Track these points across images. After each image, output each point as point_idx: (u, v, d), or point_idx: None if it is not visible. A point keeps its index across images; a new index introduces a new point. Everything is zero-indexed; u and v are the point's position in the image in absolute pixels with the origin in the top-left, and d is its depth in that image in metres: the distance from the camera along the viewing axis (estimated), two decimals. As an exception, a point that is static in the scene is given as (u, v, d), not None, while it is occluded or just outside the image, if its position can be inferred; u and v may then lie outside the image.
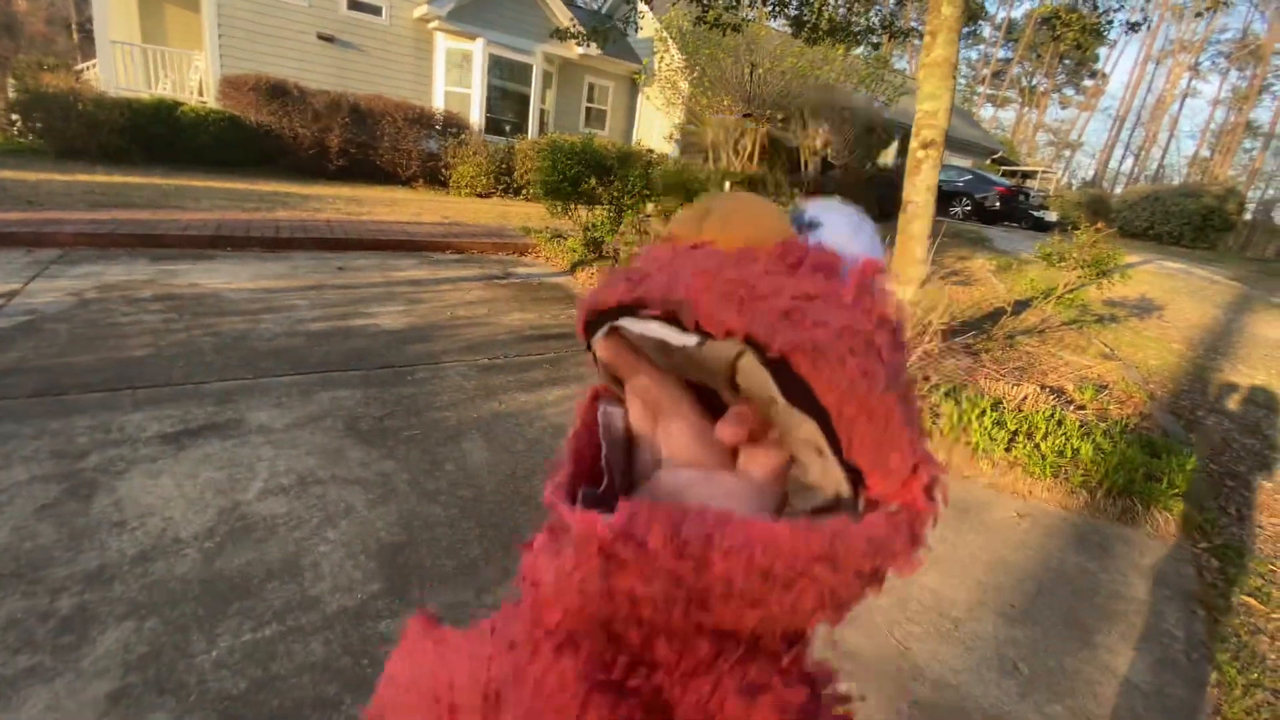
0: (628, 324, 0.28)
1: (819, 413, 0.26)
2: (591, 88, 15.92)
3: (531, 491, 2.32)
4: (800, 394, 0.26)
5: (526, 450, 2.60)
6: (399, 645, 0.32)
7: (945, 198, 15.81)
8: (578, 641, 0.28)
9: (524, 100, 14.51)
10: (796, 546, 0.25)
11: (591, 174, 5.90)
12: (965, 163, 20.70)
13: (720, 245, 0.28)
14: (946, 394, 3.32)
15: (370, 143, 11.54)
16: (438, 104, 13.17)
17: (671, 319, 0.26)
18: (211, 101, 10.92)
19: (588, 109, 16.15)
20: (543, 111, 15.15)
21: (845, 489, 0.28)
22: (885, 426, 0.26)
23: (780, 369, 0.26)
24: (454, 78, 13.32)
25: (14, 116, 9.08)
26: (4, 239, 4.52)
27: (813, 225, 0.32)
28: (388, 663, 0.31)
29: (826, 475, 0.28)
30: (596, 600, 0.26)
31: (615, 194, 5.84)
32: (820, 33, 5.98)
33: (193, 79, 11.72)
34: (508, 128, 14.70)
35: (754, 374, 0.26)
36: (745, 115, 10.81)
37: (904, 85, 13.38)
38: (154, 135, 9.53)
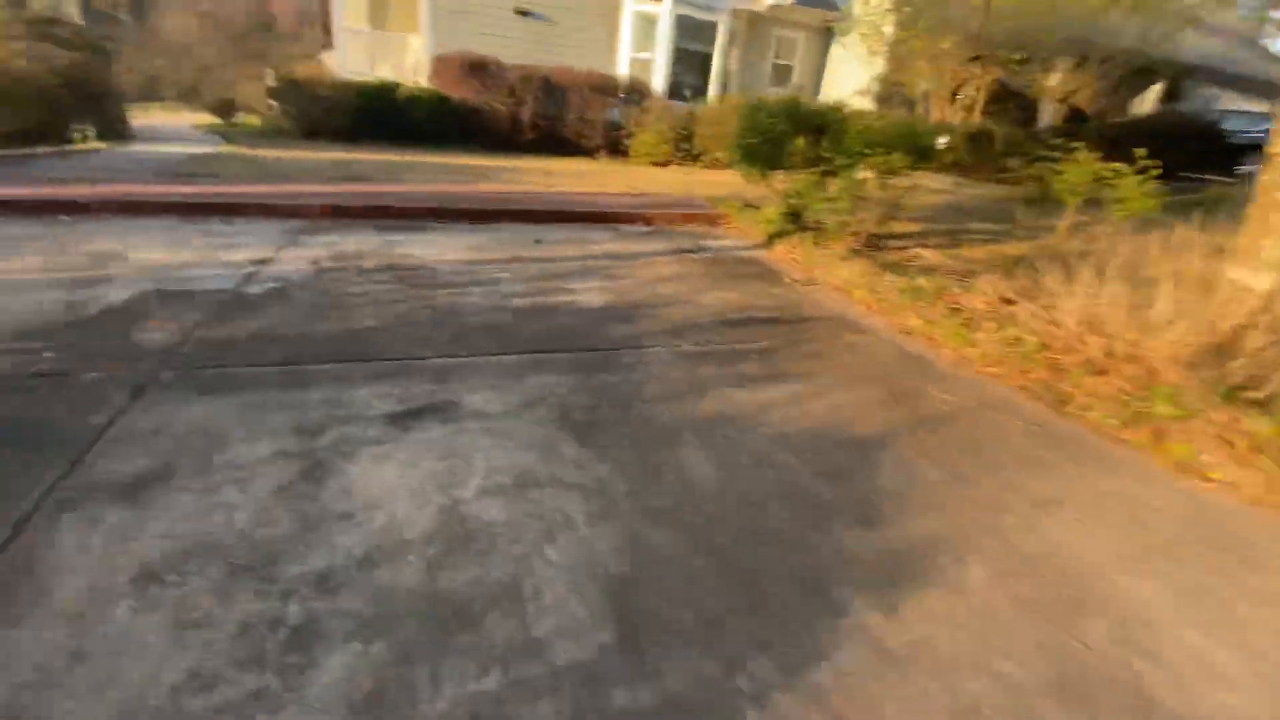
0: None
1: None
2: (779, 42, 14.82)
3: (771, 526, 1.89)
4: None
5: (753, 467, 2.17)
6: None
7: (1234, 152, 12.45)
8: None
9: (706, 61, 13.94)
10: None
11: (799, 133, 5.23)
12: (1262, 108, 16.15)
13: None
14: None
15: (558, 114, 11.80)
16: (622, 71, 13.09)
17: None
18: (424, 81, 11.82)
19: (773, 66, 15.10)
20: (726, 72, 14.47)
21: None
22: None
23: None
24: (639, 44, 13.12)
25: (271, 102, 10.54)
26: (266, 209, 5.08)
27: None
28: None
29: None
30: None
31: (826, 154, 5.12)
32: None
33: (409, 60, 12.81)
34: (688, 92, 14.27)
35: None
36: (973, 59, 9.20)
37: (1191, 14, 10.47)
38: (377, 114, 10.50)
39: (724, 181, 9.10)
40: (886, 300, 3.83)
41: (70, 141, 7.73)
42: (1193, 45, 14.24)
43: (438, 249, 4.52)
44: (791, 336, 3.39)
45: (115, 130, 8.74)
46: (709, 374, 2.85)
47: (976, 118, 11.25)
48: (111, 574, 1.53)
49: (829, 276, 4.39)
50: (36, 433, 2.04)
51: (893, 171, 4.93)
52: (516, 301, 3.58)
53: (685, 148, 12.30)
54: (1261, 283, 2.93)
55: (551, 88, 11.72)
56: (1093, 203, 5.22)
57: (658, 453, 2.20)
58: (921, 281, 4.04)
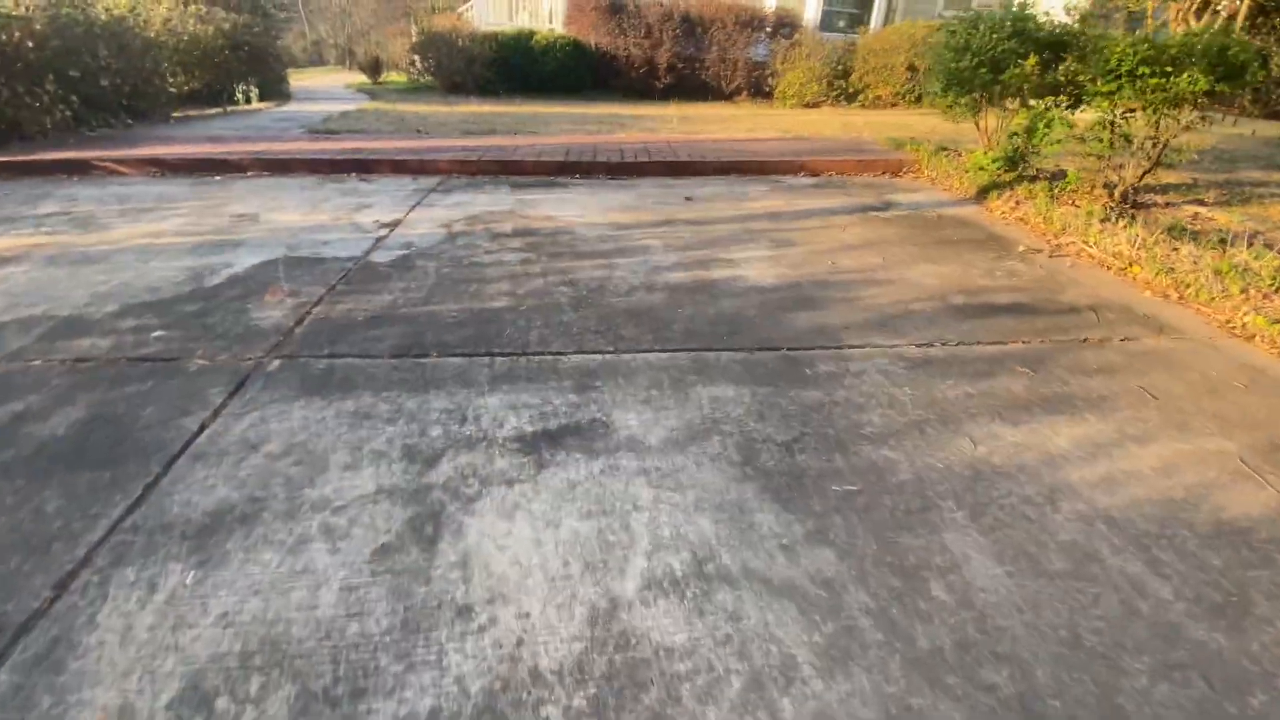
0: None
1: None
2: (962, -46, 12.51)
3: (1147, 712, 1.08)
4: None
5: (1073, 577, 1.34)
6: None
7: None
8: None
9: (870, -15, 12.16)
10: None
11: (1030, 53, 3.97)
12: None
13: None
14: None
15: (697, 55, 10.80)
16: (769, 2, 11.73)
17: None
18: (559, 28, 11.27)
19: (951, -15, 12.85)
20: (892, -4, 12.56)
21: None
22: None
23: None
24: (793, -33, 11.60)
25: (415, 58, 10.51)
26: (397, 166, 4.78)
27: None
28: None
29: None
30: None
31: (1074, 77, 3.85)
32: None
33: (545, 7, 12.29)
34: (843, 22, 12.60)
35: None
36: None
37: None
38: (513, 65, 10.14)
39: (893, 122, 7.74)
40: (1192, 284, 2.67)
41: (235, 101, 8.06)
42: None
43: (577, 209, 3.94)
44: (1058, 336, 2.40)
45: (276, 90, 9.07)
46: (955, 396, 2.00)
47: (1237, 34, 8.70)
48: (152, 686, 1.08)
49: (1086, 245, 3.24)
50: (118, 440, 1.70)
51: (1176, 101, 3.56)
52: (669, 276, 2.90)
53: (840, 85, 10.80)
54: None
55: (692, 24, 10.70)
56: None
57: (908, 537, 1.44)
58: (1245, 257, 2.80)
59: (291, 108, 8.44)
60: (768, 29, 11.12)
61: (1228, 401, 2.00)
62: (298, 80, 11.27)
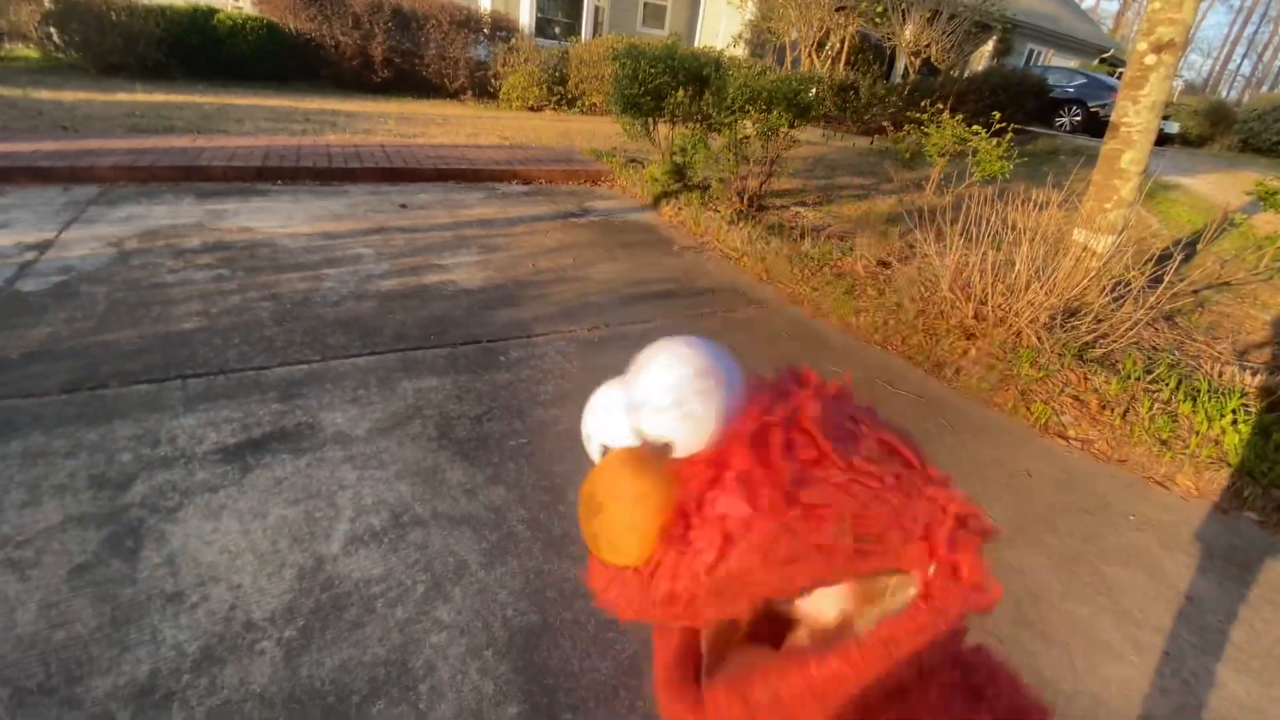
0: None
1: None
2: (652, -20, 14.27)
3: (684, 538, 1.78)
4: None
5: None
6: None
7: (1051, 105, 13.86)
8: None
9: (577, -2, 13.18)
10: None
11: (680, 85, 5.00)
12: (1072, 63, 18.12)
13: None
14: (1178, 385, 2.58)
15: (415, 51, 10.62)
16: (484, 4, 12.00)
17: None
18: (247, 7, 10.09)
19: (645, 5, 14.60)
20: (597, 9, 13.80)
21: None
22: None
23: None
24: (502, -28, 12.02)
25: (51, 30, 8.47)
26: (40, 174, 4.06)
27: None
28: None
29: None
30: None
31: (708, 109, 4.96)
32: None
33: (226, -19, 10.82)
34: (558, 30, 13.51)
35: None
36: (839, 8, 9.32)
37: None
38: (191, 47, 8.86)
39: (604, 131, 8.71)
40: (775, 268, 3.81)
41: None
42: (1022, 4, 15.56)
43: (279, 219, 3.86)
44: (689, 311, 3.26)
45: None
46: (608, 362, 2.66)
47: (841, 69, 11.60)
48: None
49: (717, 242, 4.30)
50: None
51: (774, 130, 4.86)
52: (382, 284, 3.14)
53: (560, 91, 11.61)
54: (1102, 244, 3.23)
55: (405, 18, 10.48)
56: (956, 157, 5.53)
57: (559, 465, 2.00)
58: (807, 247, 4.06)
59: None
60: (485, 31, 11.40)
61: (779, 345, 3.01)
62: None
